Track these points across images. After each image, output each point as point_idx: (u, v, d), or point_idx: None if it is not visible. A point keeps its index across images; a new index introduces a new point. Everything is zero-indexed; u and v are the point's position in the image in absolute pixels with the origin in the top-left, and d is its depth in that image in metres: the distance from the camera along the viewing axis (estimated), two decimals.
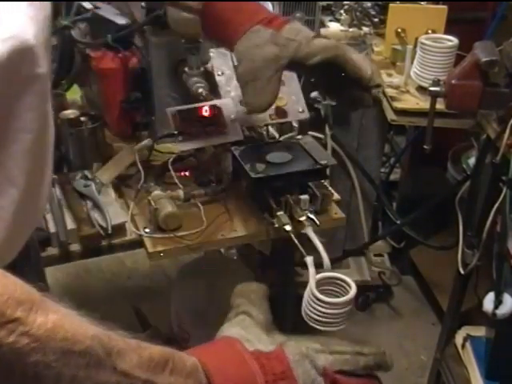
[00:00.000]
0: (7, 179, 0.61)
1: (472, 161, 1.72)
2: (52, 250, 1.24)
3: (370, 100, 0.92)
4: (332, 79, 0.92)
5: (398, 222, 1.90)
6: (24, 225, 0.68)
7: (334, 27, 1.76)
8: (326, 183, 1.13)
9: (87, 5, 1.38)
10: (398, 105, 1.46)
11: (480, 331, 1.56)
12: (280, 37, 0.88)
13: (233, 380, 0.57)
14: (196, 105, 1.11)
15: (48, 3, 0.63)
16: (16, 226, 0.64)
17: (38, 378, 0.46)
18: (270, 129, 1.20)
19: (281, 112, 1.13)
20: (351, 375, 0.63)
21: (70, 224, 1.24)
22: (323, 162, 1.05)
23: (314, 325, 0.78)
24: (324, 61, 0.87)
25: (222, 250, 1.97)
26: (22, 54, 0.56)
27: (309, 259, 0.83)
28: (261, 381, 0.58)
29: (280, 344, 0.62)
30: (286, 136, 1.19)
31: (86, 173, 1.32)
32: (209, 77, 1.21)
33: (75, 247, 1.24)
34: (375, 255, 2.14)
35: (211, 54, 1.15)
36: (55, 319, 0.47)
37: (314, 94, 1.71)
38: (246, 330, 0.64)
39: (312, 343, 0.62)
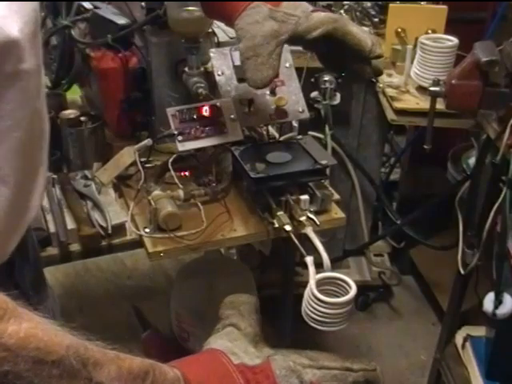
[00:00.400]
0: None
1: (472, 161, 1.72)
2: (52, 250, 1.24)
3: (371, 72, 0.92)
4: (333, 52, 0.92)
5: (398, 221, 1.90)
6: (17, 223, 0.67)
7: None
8: (326, 183, 1.13)
9: (87, 5, 1.38)
10: (398, 105, 1.46)
11: (480, 331, 1.56)
12: (279, 12, 0.88)
13: None
14: (196, 105, 1.11)
15: None
16: (8, 225, 0.64)
17: None
18: (270, 129, 1.20)
19: (281, 112, 1.13)
20: None
21: (70, 224, 1.24)
22: (323, 162, 1.05)
23: (314, 325, 0.78)
24: (324, 34, 0.87)
25: (222, 250, 1.98)
26: (5, 49, 0.54)
27: (309, 259, 0.83)
28: None
29: (267, 358, 0.61)
30: (286, 136, 1.18)
31: (86, 173, 1.32)
32: (209, 77, 1.21)
33: (75, 247, 1.25)
34: (375, 255, 2.14)
35: (211, 54, 1.15)
36: (28, 328, 0.45)
37: (313, 94, 1.71)
38: (233, 342, 0.63)
39: (300, 358, 0.61)
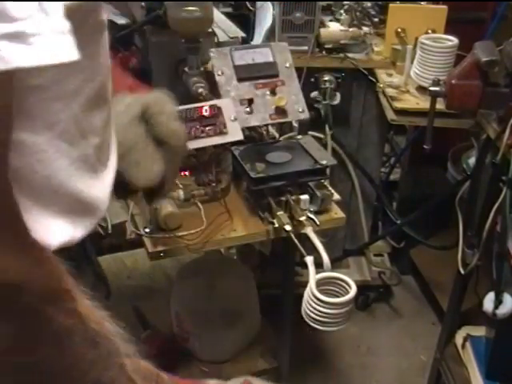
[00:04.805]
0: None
1: (472, 161, 1.72)
2: None
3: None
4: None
5: (398, 221, 1.90)
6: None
7: (333, 27, 1.75)
8: (326, 183, 1.13)
9: None
10: (398, 105, 1.46)
11: (480, 331, 1.56)
12: None
13: None
14: (196, 105, 1.11)
15: None
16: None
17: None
18: (270, 129, 1.20)
19: (281, 112, 1.13)
20: None
21: None
22: (323, 162, 1.06)
23: (313, 325, 0.78)
24: None
25: (222, 250, 1.97)
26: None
27: (309, 259, 0.83)
28: None
29: None
30: (286, 136, 1.19)
31: None
32: (209, 77, 1.21)
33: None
34: (375, 255, 2.14)
35: (211, 54, 1.15)
36: (87, 303, 0.51)
37: (313, 94, 1.71)
38: None
39: None
